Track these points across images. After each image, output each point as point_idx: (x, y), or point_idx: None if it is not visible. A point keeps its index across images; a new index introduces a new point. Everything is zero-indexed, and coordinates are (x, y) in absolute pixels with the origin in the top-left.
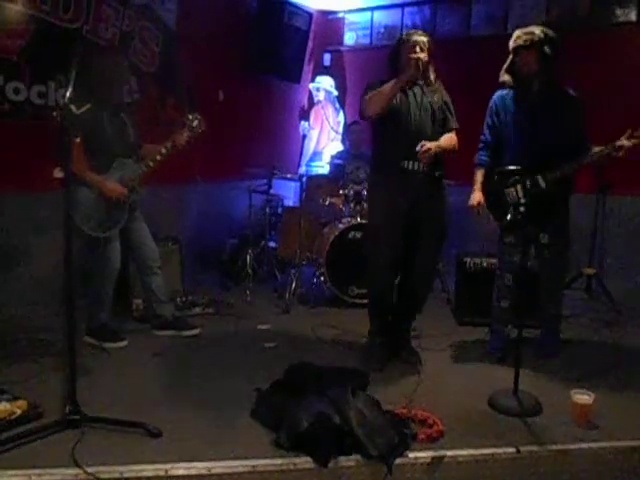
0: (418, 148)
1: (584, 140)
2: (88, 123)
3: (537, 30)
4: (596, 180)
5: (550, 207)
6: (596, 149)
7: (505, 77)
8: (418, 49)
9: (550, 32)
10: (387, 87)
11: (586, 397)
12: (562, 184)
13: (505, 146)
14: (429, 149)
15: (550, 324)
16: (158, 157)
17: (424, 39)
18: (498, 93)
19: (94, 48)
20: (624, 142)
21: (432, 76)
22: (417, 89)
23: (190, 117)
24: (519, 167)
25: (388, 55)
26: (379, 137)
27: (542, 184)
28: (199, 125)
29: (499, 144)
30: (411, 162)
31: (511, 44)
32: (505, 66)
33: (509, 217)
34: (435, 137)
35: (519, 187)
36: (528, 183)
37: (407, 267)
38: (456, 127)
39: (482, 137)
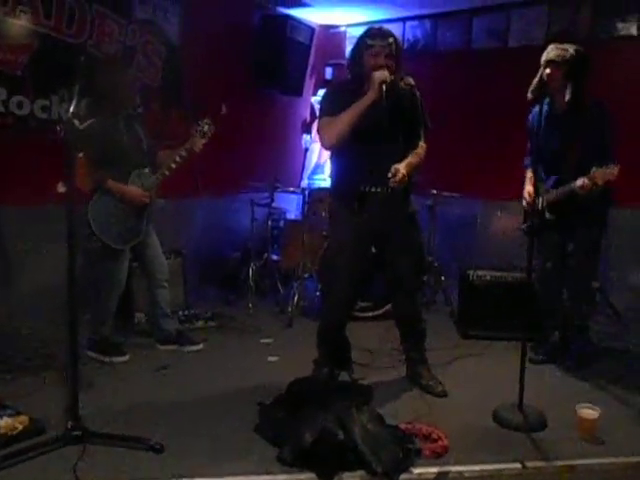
0: (390, 175)
1: (602, 160)
2: (103, 134)
3: (571, 48)
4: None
5: (577, 218)
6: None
7: (530, 95)
8: (381, 60)
9: (583, 52)
10: (347, 114)
11: (592, 412)
12: (596, 197)
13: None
14: (403, 175)
15: (575, 334)
16: (173, 165)
17: (390, 41)
18: (534, 109)
19: (102, 59)
20: (582, 184)
21: (400, 79)
22: (380, 104)
23: (200, 123)
24: (540, 181)
25: (349, 57)
26: (335, 158)
27: (544, 203)
28: (209, 129)
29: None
30: (371, 186)
31: (543, 57)
32: (535, 80)
33: (522, 227)
34: (398, 151)
35: (539, 199)
36: (539, 201)
37: (392, 300)
38: (425, 133)
39: (528, 145)
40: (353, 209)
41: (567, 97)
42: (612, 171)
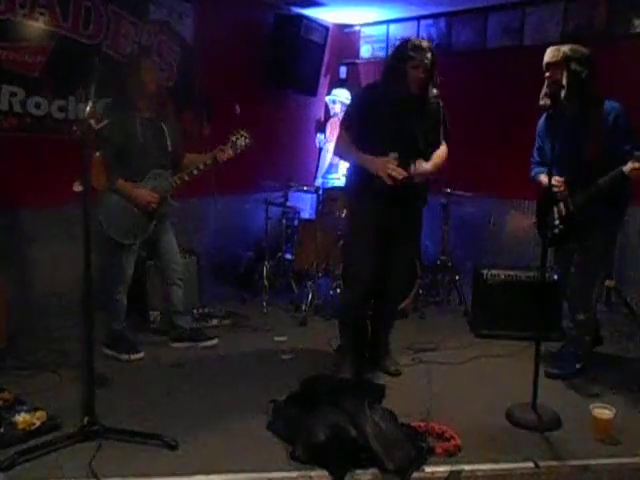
0: (412, 171)
1: (622, 155)
2: (118, 134)
3: (565, 47)
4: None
5: (580, 225)
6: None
7: (542, 101)
8: (420, 73)
9: (581, 50)
10: (355, 156)
11: (607, 412)
12: (597, 204)
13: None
14: (426, 170)
15: (572, 332)
16: (195, 172)
17: (428, 56)
18: (543, 115)
19: (121, 60)
20: (634, 165)
21: (431, 93)
22: (408, 107)
23: (234, 133)
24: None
25: (386, 62)
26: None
27: (571, 207)
28: (243, 141)
29: (545, 163)
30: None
31: (544, 61)
32: (544, 87)
33: (548, 236)
34: (418, 152)
35: (556, 209)
36: (562, 206)
37: (381, 281)
38: (446, 138)
39: (531, 158)
40: (371, 201)
41: (564, 92)
42: None
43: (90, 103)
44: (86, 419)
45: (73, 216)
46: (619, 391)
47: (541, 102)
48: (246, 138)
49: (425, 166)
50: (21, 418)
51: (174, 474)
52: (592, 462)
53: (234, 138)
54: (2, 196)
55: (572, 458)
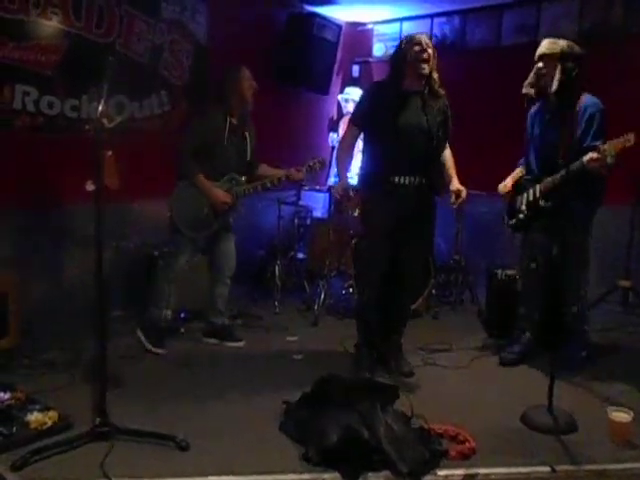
0: (453, 198)
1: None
2: (208, 131)
3: (562, 42)
4: (632, 191)
5: (559, 219)
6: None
7: (526, 89)
8: (420, 50)
9: (576, 48)
10: (339, 165)
11: (624, 415)
12: (569, 196)
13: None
14: (464, 200)
15: (572, 326)
16: (268, 184)
17: (424, 37)
18: (532, 108)
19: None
20: (592, 156)
21: (437, 83)
22: (419, 101)
23: (314, 158)
24: (531, 176)
25: (392, 57)
26: (368, 150)
27: (537, 194)
28: (317, 167)
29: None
30: (401, 177)
31: (537, 51)
32: (530, 75)
33: (511, 222)
34: (430, 152)
35: (525, 195)
36: (531, 192)
37: (394, 280)
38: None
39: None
40: (383, 197)
41: (554, 87)
42: (627, 138)
43: (102, 102)
44: (98, 419)
45: (87, 215)
46: (636, 393)
47: (524, 90)
48: (321, 166)
49: (464, 195)
50: (33, 417)
51: (185, 475)
52: (609, 466)
53: (311, 163)
54: (16, 195)
55: (589, 462)
